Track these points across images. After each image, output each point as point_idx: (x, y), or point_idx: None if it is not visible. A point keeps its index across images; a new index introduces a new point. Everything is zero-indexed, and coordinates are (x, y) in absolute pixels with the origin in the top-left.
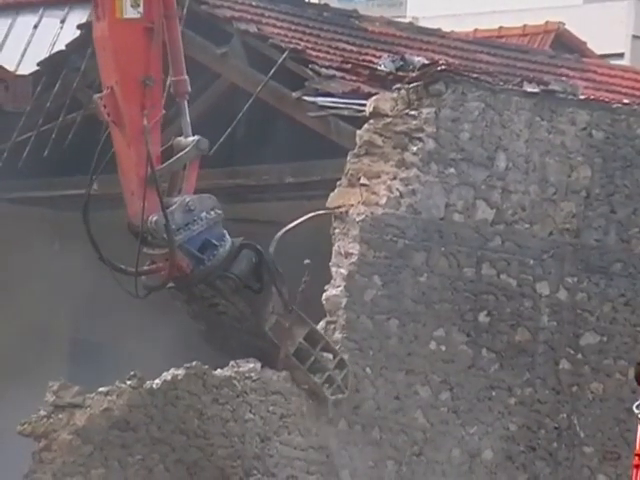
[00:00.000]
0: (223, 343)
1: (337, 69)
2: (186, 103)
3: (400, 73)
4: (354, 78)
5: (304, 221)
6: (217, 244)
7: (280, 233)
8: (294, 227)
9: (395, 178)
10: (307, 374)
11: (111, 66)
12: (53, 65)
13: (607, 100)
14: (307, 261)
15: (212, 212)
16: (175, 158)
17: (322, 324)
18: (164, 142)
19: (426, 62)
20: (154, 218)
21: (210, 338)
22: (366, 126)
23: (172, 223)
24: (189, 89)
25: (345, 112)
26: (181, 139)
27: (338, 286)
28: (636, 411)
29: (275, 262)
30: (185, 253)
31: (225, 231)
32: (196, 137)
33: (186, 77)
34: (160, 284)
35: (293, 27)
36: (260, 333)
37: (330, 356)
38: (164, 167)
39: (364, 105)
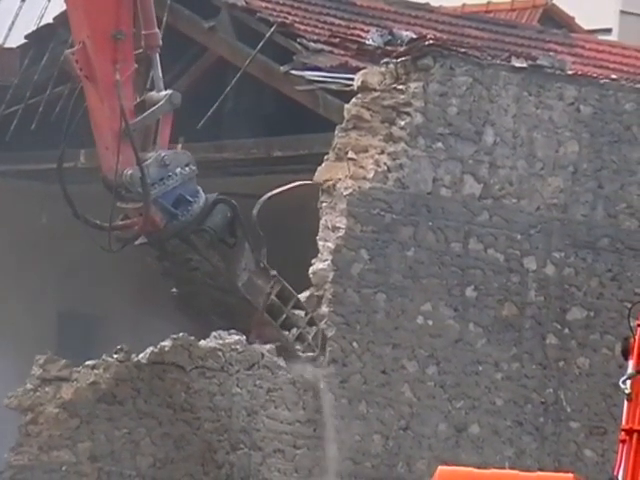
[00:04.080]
0: (193, 304)
1: (325, 43)
2: (157, 56)
3: (388, 47)
4: (342, 52)
5: (290, 189)
6: (191, 200)
7: (265, 197)
8: (279, 193)
9: (383, 152)
10: (279, 330)
11: (82, 20)
12: (41, 38)
13: (595, 75)
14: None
15: (187, 168)
16: (148, 112)
17: (306, 294)
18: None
19: (414, 37)
20: (129, 172)
21: (181, 304)
22: (354, 100)
23: (147, 177)
24: (160, 42)
25: (333, 86)
26: (153, 93)
27: (325, 260)
28: (622, 386)
29: (257, 225)
30: (159, 208)
31: (199, 187)
32: (169, 91)
33: (157, 30)
34: (133, 237)
35: (281, 1)
36: (232, 289)
37: (302, 313)
38: (137, 121)
39: (352, 79)
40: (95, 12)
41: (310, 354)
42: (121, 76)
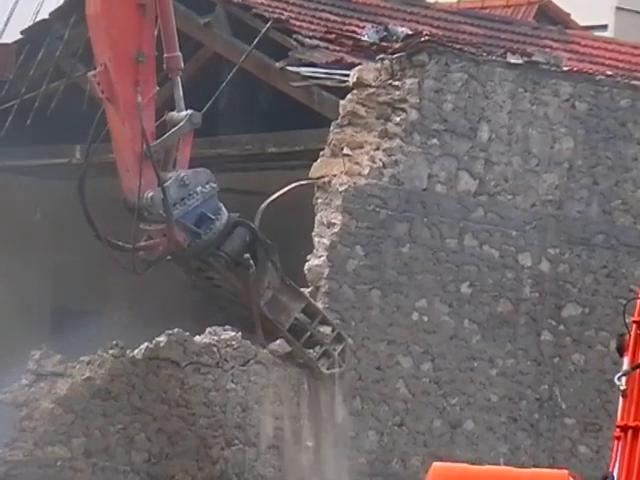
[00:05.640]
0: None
1: (321, 39)
2: (179, 79)
3: (384, 44)
4: (337, 48)
5: (287, 191)
6: (213, 217)
7: (264, 204)
8: (277, 198)
9: (378, 148)
10: (302, 349)
11: (104, 43)
12: (36, 34)
13: (590, 72)
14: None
15: (207, 186)
16: (169, 133)
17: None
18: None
19: (410, 33)
20: (150, 194)
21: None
22: (349, 96)
23: (168, 198)
24: (182, 65)
25: (328, 82)
26: (174, 113)
27: (320, 256)
28: (617, 382)
29: (262, 234)
30: (182, 228)
31: (221, 204)
32: (189, 111)
33: (179, 53)
34: (157, 258)
35: None
36: (254, 308)
37: (328, 329)
38: (159, 142)
39: (347, 75)
40: (117, 34)
41: (335, 370)
42: (142, 98)
